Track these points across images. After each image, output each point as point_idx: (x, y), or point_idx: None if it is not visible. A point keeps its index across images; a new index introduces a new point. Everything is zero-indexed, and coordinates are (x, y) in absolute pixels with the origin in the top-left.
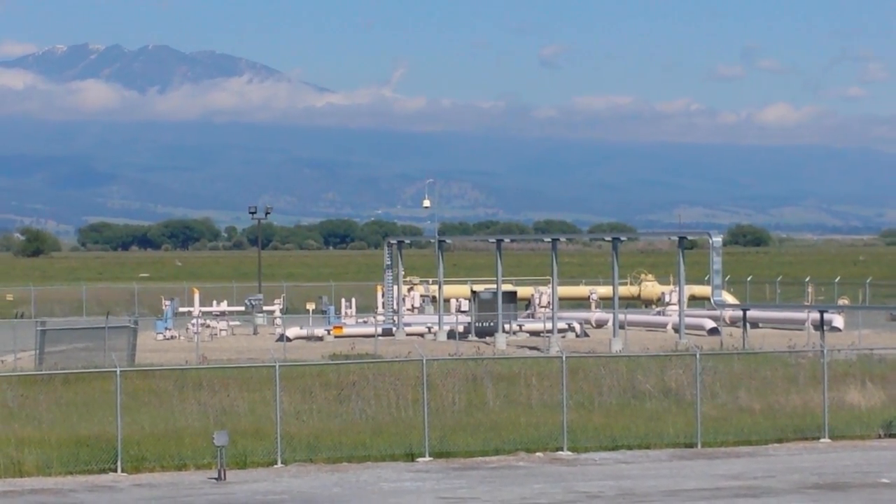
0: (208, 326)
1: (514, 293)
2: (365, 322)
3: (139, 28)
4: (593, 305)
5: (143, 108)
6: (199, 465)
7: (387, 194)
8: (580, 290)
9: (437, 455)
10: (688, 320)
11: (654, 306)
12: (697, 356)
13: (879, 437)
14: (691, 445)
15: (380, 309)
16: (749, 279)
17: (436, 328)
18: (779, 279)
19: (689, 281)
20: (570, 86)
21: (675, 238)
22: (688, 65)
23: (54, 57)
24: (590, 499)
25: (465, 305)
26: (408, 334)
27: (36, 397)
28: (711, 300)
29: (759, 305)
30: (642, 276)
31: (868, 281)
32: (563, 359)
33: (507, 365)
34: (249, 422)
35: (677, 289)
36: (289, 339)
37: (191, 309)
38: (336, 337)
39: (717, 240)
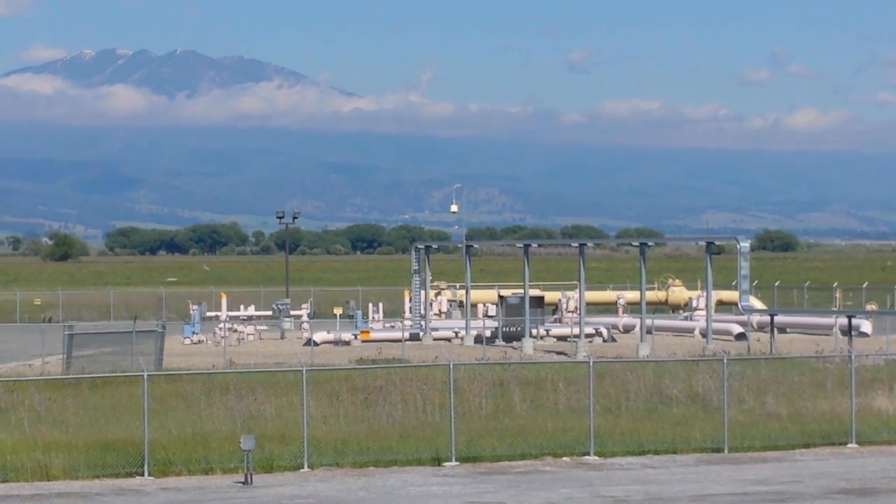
0: (236, 331)
1: (542, 298)
2: (392, 327)
3: (167, 33)
4: (620, 310)
5: (170, 113)
6: (225, 469)
7: (414, 199)
8: (607, 295)
9: (464, 459)
10: (715, 325)
11: (681, 311)
12: (725, 361)
13: None
14: (718, 450)
15: (407, 314)
16: (777, 284)
17: (463, 333)
18: (806, 284)
19: (717, 286)
20: (598, 90)
21: (703, 243)
22: (715, 69)
23: (82, 62)
24: (617, 503)
25: (492, 310)
26: (435, 339)
27: (63, 401)
28: (739, 305)
29: (787, 311)
30: (670, 281)
31: None
32: (591, 364)
33: (534, 370)
34: (276, 426)
35: (705, 294)
36: (316, 344)
37: (218, 313)
38: (363, 341)
39: (745, 245)
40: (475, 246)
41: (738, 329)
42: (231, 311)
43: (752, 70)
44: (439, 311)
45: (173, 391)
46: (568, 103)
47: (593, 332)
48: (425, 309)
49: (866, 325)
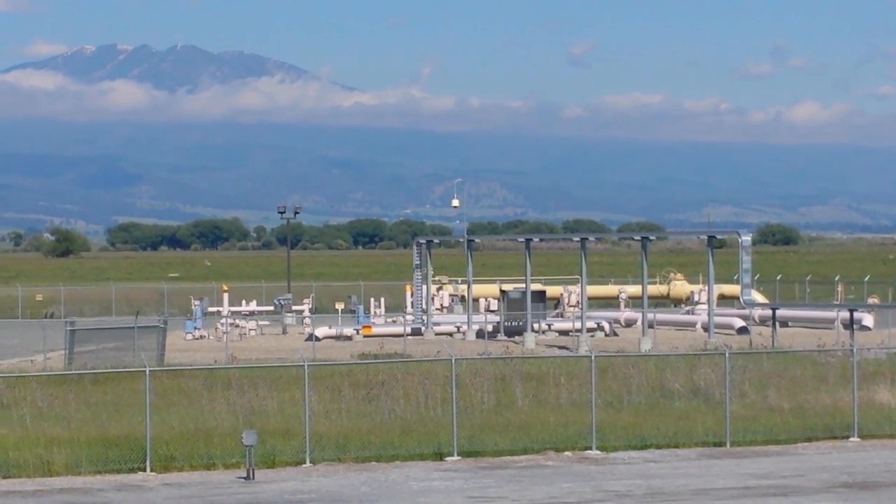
0: (237, 326)
1: (543, 292)
2: (394, 322)
3: (167, 28)
4: (622, 305)
5: (171, 108)
6: (227, 464)
7: (415, 194)
8: (609, 290)
9: (466, 454)
10: (717, 319)
11: (683, 305)
12: (727, 355)
13: None
14: (720, 444)
15: (409, 308)
16: (778, 278)
17: (465, 328)
18: (808, 278)
19: (719, 280)
20: (599, 84)
21: (705, 237)
22: (717, 63)
23: (83, 57)
24: (619, 497)
25: (493, 305)
26: (437, 334)
27: (65, 397)
28: (741, 299)
29: (789, 304)
30: (671, 275)
31: None
32: (592, 358)
33: (536, 364)
34: (278, 421)
35: (706, 288)
36: (318, 339)
37: (220, 309)
38: (365, 336)
39: (747, 239)
40: (476, 240)
41: (739, 323)
42: (233, 306)
43: (754, 64)
44: (441, 305)
45: (175, 386)
46: (569, 97)
47: (595, 326)
48: (427, 304)
49: (868, 319)
